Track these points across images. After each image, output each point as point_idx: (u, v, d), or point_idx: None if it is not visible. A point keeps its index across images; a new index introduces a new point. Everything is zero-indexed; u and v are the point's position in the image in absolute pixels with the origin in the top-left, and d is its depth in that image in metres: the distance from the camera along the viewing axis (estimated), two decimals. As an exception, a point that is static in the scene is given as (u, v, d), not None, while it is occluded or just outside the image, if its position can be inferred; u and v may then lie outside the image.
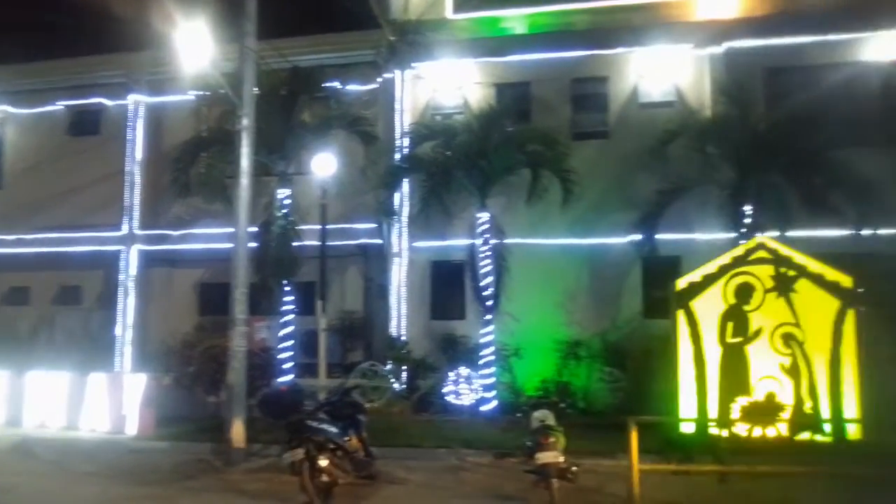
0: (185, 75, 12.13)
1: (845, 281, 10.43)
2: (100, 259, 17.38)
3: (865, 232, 12.47)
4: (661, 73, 15.22)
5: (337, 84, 15.76)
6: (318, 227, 13.96)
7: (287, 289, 14.25)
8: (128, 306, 17.23)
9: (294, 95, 14.67)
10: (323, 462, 7.53)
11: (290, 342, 14.14)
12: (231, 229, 11.25)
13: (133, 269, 17.38)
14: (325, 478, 7.56)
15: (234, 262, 10.99)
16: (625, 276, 14.81)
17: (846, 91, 14.28)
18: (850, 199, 12.58)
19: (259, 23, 11.21)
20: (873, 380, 10.43)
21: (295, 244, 14.22)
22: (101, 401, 12.77)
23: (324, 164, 13.80)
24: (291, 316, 14.27)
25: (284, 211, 14.32)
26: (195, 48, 10.55)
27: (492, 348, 13.80)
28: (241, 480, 9.41)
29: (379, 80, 16.41)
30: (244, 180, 11.07)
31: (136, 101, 17.79)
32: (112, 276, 17.45)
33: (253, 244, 12.71)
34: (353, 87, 16.25)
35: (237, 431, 10.42)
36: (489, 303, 13.87)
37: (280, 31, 13.82)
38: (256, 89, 11.66)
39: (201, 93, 14.84)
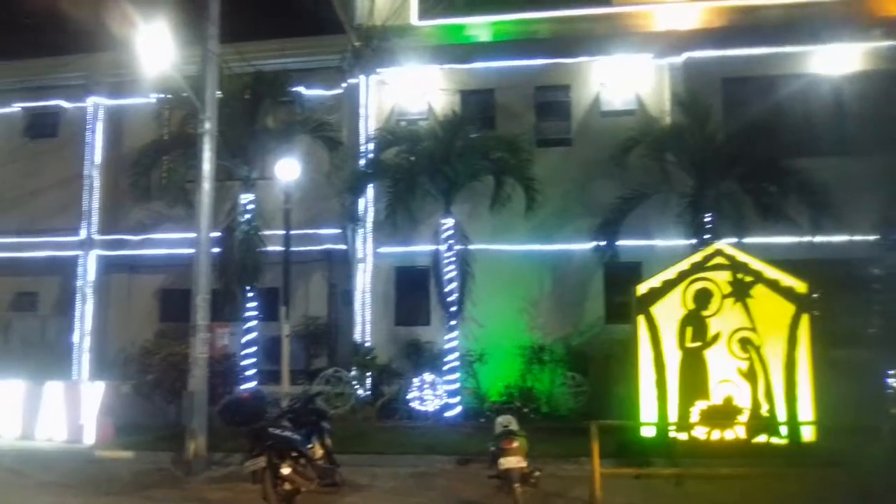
0: (146, 78, 11.97)
1: (800, 286, 10.71)
2: (57, 264, 17.02)
3: (819, 239, 12.79)
4: (622, 82, 15.48)
5: (301, 89, 15.70)
6: (282, 232, 13.87)
7: (250, 295, 14.13)
8: (86, 313, 16.90)
9: (258, 100, 14.57)
10: (285, 470, 7.49)
11: (254, 349, 14.01)
12: (193, 234, 11.11)
13: (91, 274, 17.06)
14: (287, 486, 7.52)
15: (195, 267, 10.86)
16: (587, 282, 15.00)
17: (800, 101, 14.76)
18: (804, 207, 12.91)
19: (222, 26, 11.13)
20: (827, 383, 10.73)
21: (258, 250, 14.11)
22: (58, 410, 12.49)
23: (287, 169, 13.73)
24: (254, 322, 14.14)
25: (248, 216, 14.20)
26: (156, 51, 10.42)
27: (456, 354, 13.85)
28: (203, 490, 9.30)
29: (344, 85, 16.40)
30: (206, 185, 10.96)
31: (96, 104, 17.50)
32: (70, 282, 17.10)
33: (215, 250, 12.61)
34: (317, 92, 16.21)
35: (198, 440, 10.29)
36: (454, 308, 13.92)
37: (244, 34, 13.74)
38: (219, 93, 11.56)
39: (163, 96, 14.66)
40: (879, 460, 8.73)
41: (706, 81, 14.64)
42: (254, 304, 14.16)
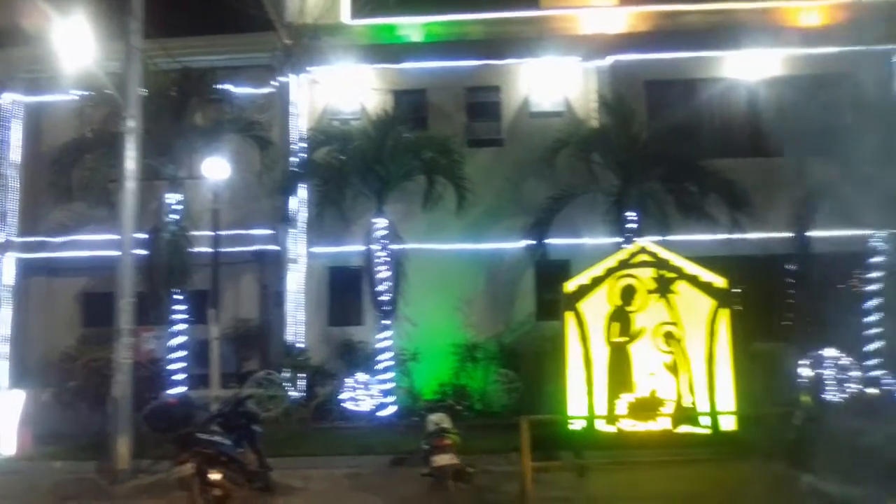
0: (66, 74, 11.54)
1: (719, 282, 11.17)
2: (-29, 268, 16.20)
3: (737, 236, 13.35)
4: (551, 84, 15.80)
5: (230, 87, 15.38)
6: (211, 233, 13.59)
7: (178, 297, 13.79)
8: (3, 318, 16.14)
9: (185, 97, 14.22)
10: (214, 476, 7.38)
11: (182, 353, 13.68)
12: (116, 236, 10.81)
13: (9, 278, 16.30)
14: (217, 492, 7.41)
15: (119, 270, 10.56)
16: (518, 280, 15.26)
17: (719, 104, 15.40)
18: (722, 206, 13.47)
19: (147, 21, 10.85)
20: (746, 374, 11.23)
21: (186, 251, 13.79)
22: (-27, 420, 11.94)
23: (216, 168, 13.47)
24: (183, 325, 13.82)
25: (175, 216, 13.86)
26: (77, 46, 10.06)
27: (390, 353, 13.88)
28: (128, 498, 9.07)
29: (274, 83, 16.16)
30: (130, 184, 10.67)
31: (13, 101, 16.73)
32: (-15, 287, 16.31)
33: (141, 251, 12.25)
34: (247, 90, 15.90)
35: (123, 447, 10.00)
36: (387, 308, 13.94)
37: (170, 30, 13.37)
38: (144, 90, 11.27)
39: (84, 92, 14.14)
40: (792, 447, 9.20)
41: (631, 84, 15.09)
42: (182, 306, 13.83)
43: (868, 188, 13.00)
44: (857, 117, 12.98)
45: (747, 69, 15.47)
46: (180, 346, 13.67)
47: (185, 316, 13.89)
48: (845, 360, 12.62)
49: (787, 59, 15.44)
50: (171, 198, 13.94)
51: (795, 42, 15.26)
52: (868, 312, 12.95)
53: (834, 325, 13.20)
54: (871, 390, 11.67)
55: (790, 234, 13.61)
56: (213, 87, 14.68)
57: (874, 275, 12.95)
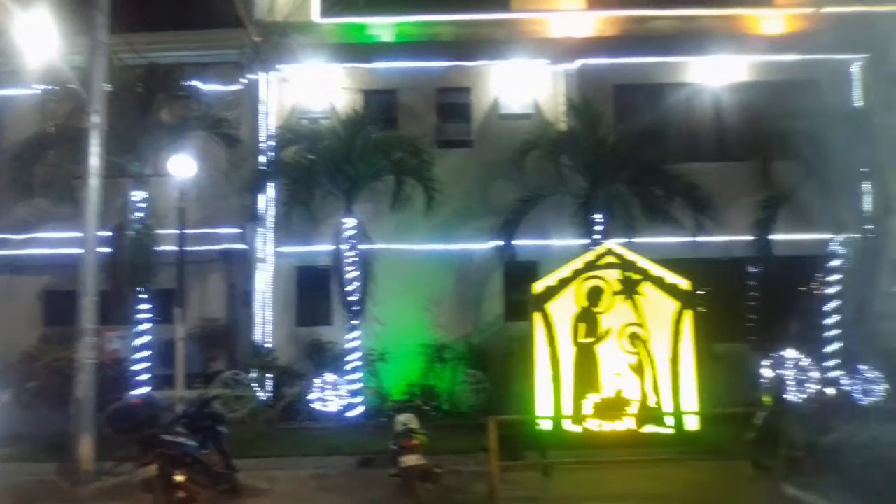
0: (29, 68, 11.28)
1: (684, 284, 11.38)
2: (-72, 266, 15.77)
3: (701, 239, 13.59)
4: (521, 87, 15.89)
5: (198, 83, 15.21)
6: (178, 231, 13.43)
7: (143, 296, 13.60)
8: (-40, 317, 15.74)
9: (151, 93, 14.02)
10: (178, 477, 7.31)
11: (147, 353, 13.49)
12: (80, 233, 10.61)
13: (-33, 276, 15.90)
14: (181, 493, 7.34)
15: (82, 268, 10.37)
16: (487, 281, 15.33)
17: (685, 109, 15.67)
18: (687, 209, 13.70)
19: (113, 16, 10.67)
20: (709, 375, 11.45)
21: (151, 249, 13.59)
22: (-73, 422, 11.64)
23: (182, 166, 13.30)
24: (148, 325, 13.62)
25: (140, 214, 13.66)
26: (40, 39, 9.86)
27: (358, 354, 13.84)
28: (91, 500, 8.93)
29: (243, 81, 16.00)
30: (94, 181, 10.49)
31: (-28, 95, 16.32)
32: (-58, 285, 15.88)
33: (105, 249, 12.06)
34: (215, 88, 15.71)
35: (85, 449, 9.82)
36: (356, 308, 13.91)
37: (137, 25, 13.16)
38: (109, 85, 11.07)
39: (48, 87, 13.87)
40: (753, 446, 9.42)
41: (599, 88, 15.24)
42: (147, 306, 13.63)
43: (828, 193, 13.37)
44: (818, 124, 13.31)
45: (713, 75, 15.75)
46: (145, 346, 13.48)
47: (150, 315, 13.69)
48: (805, 362, 12.92)
49: (751, 66, 15.76)
50: (137, 195, 13.74)
51: (759, 49, 15.60)
52: (827, 314, 13.27)
53: (794, 327, 13.54)
54: (830, 391, 11.95)
55: (752, 238, 13.87)
56: (181, 83, 14.48)
57: (833, 278, 13.26)
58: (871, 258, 13.12)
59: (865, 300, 13.19)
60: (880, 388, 12.75)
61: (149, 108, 13.96)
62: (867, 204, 14.53)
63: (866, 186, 14.27)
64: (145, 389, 13.11)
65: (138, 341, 13.47)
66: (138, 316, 13.55)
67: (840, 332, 13.00)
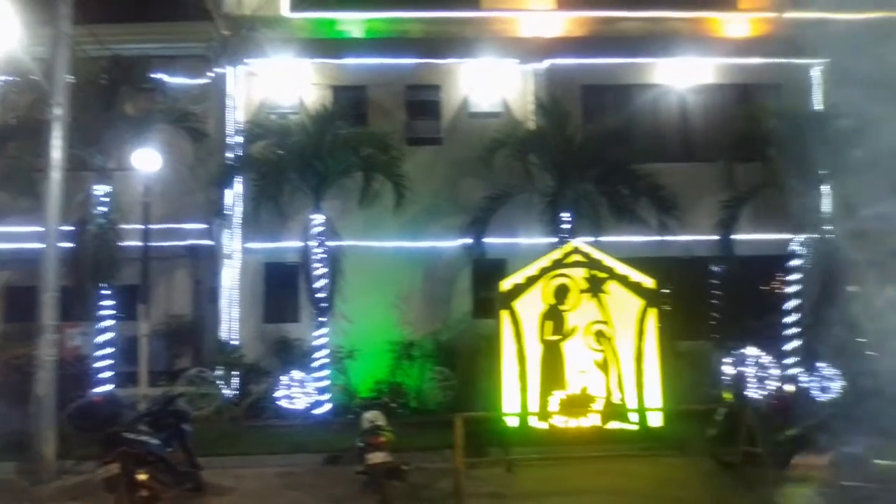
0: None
1: (648, 282, 11.56)
2: None
3: (666, 238, 13.79)
4: (490, 85, 15.95)
5: (164, 76, 14.99)
6: (142, 226, 13.23)
7: (106, 292, 13.37)
8: (-85, 313, 15.34)
9: (115, 85, 13.73)
10: (141, 476, 7.22)
11: (110, 349, 13.27)
12: (41, 227, 10.41)
13: (-78, 270, 15.49)
14: (144, 492, 7.25)
15: (43, 263, 10.19)
16: (456, 278, 15.38)
17: (651, 110, 15.89)
18: (653, 208, 13.88)
19: (77, 7, 10.48)
20: (673, 372, 11.65)
21: (115, 245, 13.36)
22: None
23: (147, 160, 13.08)
24: (111, 322, 13.40)
25: (103, 209, 13.42)
26: (1, 29, 9.64)
27: (326, 351, 13.78)
28: (52, 500, 8.79)
29: (210, 74, 15.82)
30: (55, 174, 10.31)
31: (-72, 84, 15.88)
32: None
33: (67, 244, 11.85)
34: (181, 81, 15.50)
35: (46, 447, 9.66)
36: (323, 305, 13.84)
37: (101, 16, 12.94)
38: (72, 77, 10.89)
39: (9, 78, 13.58)
40: (715, 442, 9.61)
41: (567, 87, 15.36)
42: (110, 302, 13.41)
43: (789, 194, 13.67)
44: (780, 127, 13.61)
45: (679, 77, 16.00)
46: (107, 343, 13.25)
47: (114, 312, 13.47)
48: (765, 359, 13.20)
49: (716, 69, 16.03)
50: (100, 189, 13.48)
51: (724, 52, 15.89)
52: (787, 313, 13.57)
53: (755, 325, 13.83)
54: (789, 388, 12.22)
55: (716, 237, 14.09)
56: (146, 76, 14.23)
57: (793, 277, 13.56)
58: (829, 258, 13.44)
59: (823, 299, 13.52)
60: (837, 386, 13.08)
61: (113, 101, 13.69)
62: (826, 205, 14.90)
63: (825, 189, 14.62)
64: (108, 387, 12.89)
65: (101, 338, 13.24)
66: (101, 312, 13.32)
67: (799, 330, 13.29)
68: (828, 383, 13.19)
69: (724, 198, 13.99)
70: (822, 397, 12.92)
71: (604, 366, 11.37)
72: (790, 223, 13.70)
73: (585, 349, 11.37)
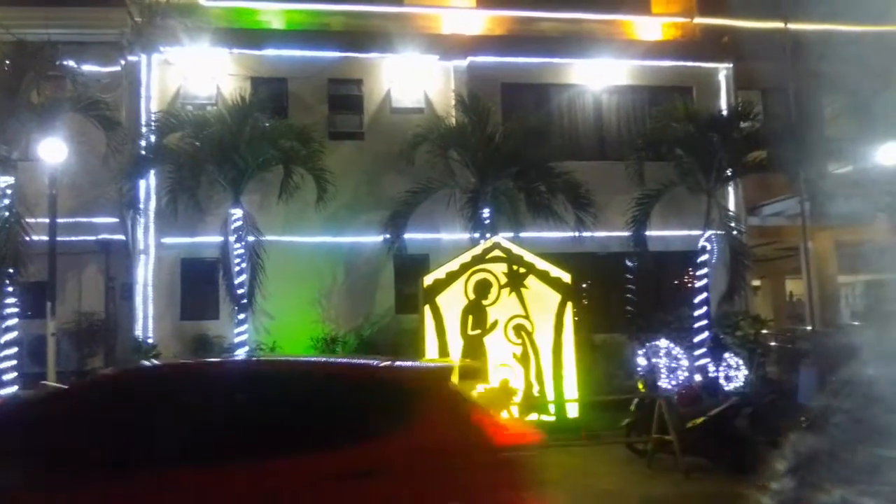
0: None
1: (566, 277, 11.90)
2: None
3: (582, 234, 14.19)
4: (412, 81, 16.00)
5: (72, 63, 14.33)
6: (49, 220, 12.66)
7: (10, 290, 12.73)
8: None
9: (20, 72, 13.06)
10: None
11: (14, 350, 12.67)
12: (-62, 223, 9.86)
13: None
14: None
15: (-59, 260, 9.65)
16: (378, 274, 15.37)
17: (567, 109, 16.33)
18: (569, 205, 14.25)
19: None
20: (590, 364, 12.04)
21: (20, 239, 12.73)
22: None
23: (53, 150, 12.51)
24: (15, 320, 12.78)
25: (6, 201, 12.77)
26: None
27: (247, 348, 13.58)
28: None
29: (122, 62, 15.26)
30: (-46, 167, 9.77)
31: None
32: None
33: (-34, 239, 11.24)
34: (92, 68, 14.88)
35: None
36: (243, 301, 13.61)
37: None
38: (-29, 63, 10.32)
39: None
40: (629, 430, 10.02)
41: (487, 85, 15.55)
42: (14, 299, 12.79)
43: (697, 192, 14.33)
44: (690, 127, 14.23)
45: (594, 77, 16.45)
46: (11, 343, 12.65)
47: (18, 310, 12.86)
48: (676, 350, 13.77)
49: (630, 71, 16.56)
50: (3, 181, 12.82)
51: (638, 54, 16.46)
52: (697, 306, 14.20)
53: (667, 318, 14.43)
54: (697, 377, 12.80)
55: (629, 233, 14.55)
56: (53, 62, 13.59)
57: (702, 272, 14.20)
58: (734, 254, 14.16)
59: (729, 293, 14.25)
60: (741, 375, 13.78)
61: (17, 88, 13.03)
62: (731, 204, 15.70)
63: (731, 187, 15.40)
64: (11, 389, 12.33)
65: (4, 337, 12.63)
66: (4, 310, 12.70)
67: (707, 322, 13.94)
68: (733, 373, 13.87)
69: (637, 195, 14.47)
70: (727, 386, 13.58)
71: (523, 359, 11.64)
72: (698, 220, 14.30)
73: (506, 343, 11.61)
